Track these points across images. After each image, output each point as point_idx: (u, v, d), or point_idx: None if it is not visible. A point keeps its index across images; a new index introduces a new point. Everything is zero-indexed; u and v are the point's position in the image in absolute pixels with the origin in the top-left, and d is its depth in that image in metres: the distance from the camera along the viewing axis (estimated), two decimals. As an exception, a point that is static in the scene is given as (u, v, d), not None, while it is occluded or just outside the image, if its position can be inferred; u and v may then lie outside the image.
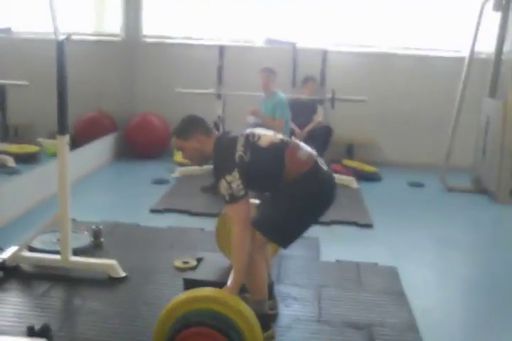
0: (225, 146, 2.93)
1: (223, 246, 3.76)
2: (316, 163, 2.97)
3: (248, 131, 3.02)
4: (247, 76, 6.64)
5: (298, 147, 2.99)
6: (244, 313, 2.57)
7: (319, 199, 2.98)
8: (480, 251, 4.83)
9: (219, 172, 2.86)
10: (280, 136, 3.03)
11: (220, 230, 3.76)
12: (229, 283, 2.79)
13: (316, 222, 3.06)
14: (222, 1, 7.63)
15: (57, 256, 3.74)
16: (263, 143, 2.93)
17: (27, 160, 6.24)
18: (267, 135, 3.01)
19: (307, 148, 3.03)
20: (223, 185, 2.80)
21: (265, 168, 2.90)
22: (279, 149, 2.93)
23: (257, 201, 3.27)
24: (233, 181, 2.78)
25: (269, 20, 7.59)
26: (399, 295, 3.67)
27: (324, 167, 3.00)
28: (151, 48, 7.83)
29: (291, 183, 2.90)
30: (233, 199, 2.80)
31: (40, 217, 4.31)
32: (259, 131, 3.04)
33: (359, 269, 4.06)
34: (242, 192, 2.80)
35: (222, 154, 2.91)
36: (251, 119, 5.81)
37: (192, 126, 3.03)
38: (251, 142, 2.92)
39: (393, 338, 3.15)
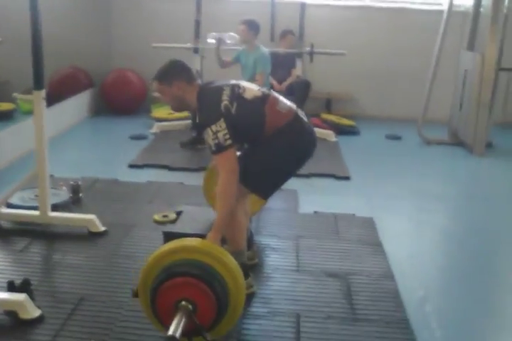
0: (209, 96, 2.91)
1: (210, 198, 3.75)
2: (297, 114, 2.98)
3: (233, 82, 3.00)
4: (224, 30, 6.54)
5: (277, 100, 2.99)
6: (228, 264, 2.59)
7: (300, 150, 3.00)
8: (456, 202, 4.91)
9: (204, 122, 2.84)
10: (262, 90, 3.03)
11: (208, 182, 3.75)
12: (211, 231, 2.82)
13: (296, 172, 3.09)
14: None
15: (36, 212, 3.74)
16: (248, 95, 2.92)
17: (2, 117, 6.18)
18: (251, 88, 2.99)
19: (286, 100, 3.04)
20: (209, 135, 2.79)
21: (248, 121, 2.90)
22: (260, 102, 2.93)
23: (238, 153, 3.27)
24: (219, 131, 2.77)
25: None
26: (375, 245, 3.74)
27: (305, 118, 3.02)
28: (126, 2, 7.68)
29: (272, 135, 2.91)
30: (220, 148, 2.79)
31: (18, 173, 4.29)
32: (244, 83, 3.03)
33: (336, 220, 4.11)
34: (229, 142, 2.78)
35: (207, 104, 2.89)
36: (212, 36, 5.75)
37: (174, 71, 2.98)
38: (236, 93, 2.90)
39: (369, 286, 3.22)
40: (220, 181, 2.82)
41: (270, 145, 2.93)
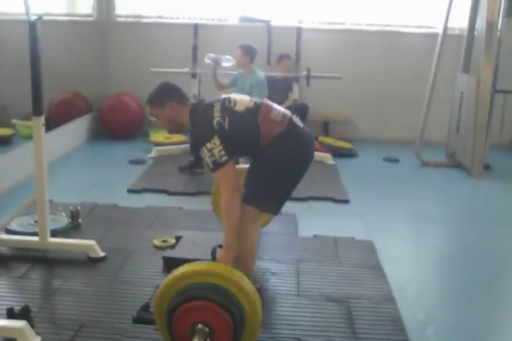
0: (201, 114, 2.93)
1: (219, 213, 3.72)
2: (291, 121, 3.00)
3: (223, 96, 3.02)
4: (222, 54, 6.62)
5: (270, 108, 3.00)
6: (245, 287, 2.57)
7: (299, 158, 3.01)
8: (455, 224, 4.90)
9: (199, 141, 2.85)
10: (254, 100, 3.04)
11: (216, 197, 3.72)
12: (222, 251, 2.84)
13: (299, 181, 3.07)
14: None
15: (36, 238, 3.73)
16: (239, 108, 2.94)
17: (1, 143, 6.20)
18: (243, 100, 3.01)
19: (280, 108, 3.05)
20: (205, 153, 2.81)
21: (243, 134, 2.90)
22: (253, 113, 2.94)
23: (246, 166, 3.25)
24: (214, 148, 2.78)
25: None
26: (375, 269, 3.73)
27: (300, 124, 3.04)
28: (124, 28, 7.75)
29: (270, 144, 2.92)
30: (217, 166, 2.80)
31: (17, 199, 4.29)
32: (235, 96, 3.05)
33: (336, 243, 4.10)
34: (225, 158, 2.79)
35: (200, 122, 2.91)
36: (209, 57, 5.80)
37: (165, 93, 3.01)
38: (227, 108, 2.92)
39: (371, 310, 3.21)
40: (222, 199, 2.84)
41: (269, 156, 2.94)
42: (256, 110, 2.96)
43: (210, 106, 2.93)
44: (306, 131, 3.06)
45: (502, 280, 3.84)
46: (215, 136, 2.80)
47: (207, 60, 5.82)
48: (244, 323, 2.53)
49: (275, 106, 3.04)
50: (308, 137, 3.08)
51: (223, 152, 2.79)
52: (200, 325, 2.47)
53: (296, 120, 3.05)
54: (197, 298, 2.50)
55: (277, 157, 2.94)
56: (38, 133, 3.59)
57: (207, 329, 2.47)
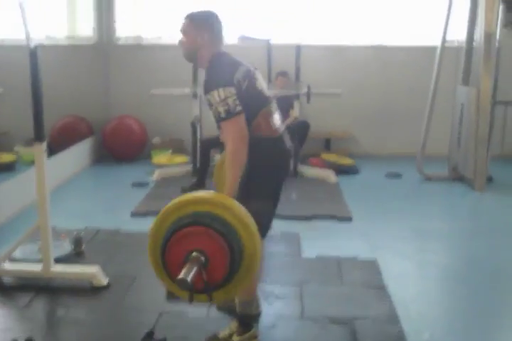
0: (225, 62, 2.87)
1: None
2: (282, 136, 2.96)
3: (250, 67, 2.96)
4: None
5: (273, 113, 2.95)
6: (249, 225, 2.52)
7: (280, 175, 2.97)
8: (459, 240, 4.88)
9: (213, 83, 2.77)
10: (269, 93, 3.00)
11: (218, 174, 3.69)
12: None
13: (276, 203, 3.00)
14: (193, 0, 7.61)
15: (39, 267, 3.71)
16: (258, 85, 2.90)
17: (4, 169, 6.23)
18: (262, 82, 2.97)
19: (279, 119, 3.00)
20: (216, 101, 2.72)
21: (246, 106, 2.79)
22: (261, 101, 2.90)
23: None
24: (229, 97, 2.71)
25: (242, 17, 7.60)
26: (379, 288, 3.71)
27: (288, 143, 3.00)
28: (124, 50, 7.81)
29: (255, 143, 2.80)
30: (229, 114, 2.71)
31: (21, 226, 4.29)
32: (259, 75, 2.99)
33: (340, 264, 4.09)
34: (239, 108, 2.72)
35: (221, 68, 2.84)
36: None
37: (211, 21, 2.95)
38: (251, 77, 2.87)
39: (375, 331, 3.19)
40: (229, 146, 2.73)
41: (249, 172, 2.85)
42: (264, 101, 2.92)
43: (238, 63, 2.88)
44: (289, 151, 3.03)
45: (507, 295, 3.81)
46: (233, 87, 2.74)
47: None
48: (241, 259, 2.47)
49: (276, 114, 2.99)
50: (289, 157, 3.06)
51: (237, 102, 2.72)
52: (194, 253, 2.38)
53: (287, 138, 3.01)
54: (194, 223, 2.43)
55: (259, 170, 2.84)
56: (40, 159, 3.60)
57: (202, 258, 2.38)
